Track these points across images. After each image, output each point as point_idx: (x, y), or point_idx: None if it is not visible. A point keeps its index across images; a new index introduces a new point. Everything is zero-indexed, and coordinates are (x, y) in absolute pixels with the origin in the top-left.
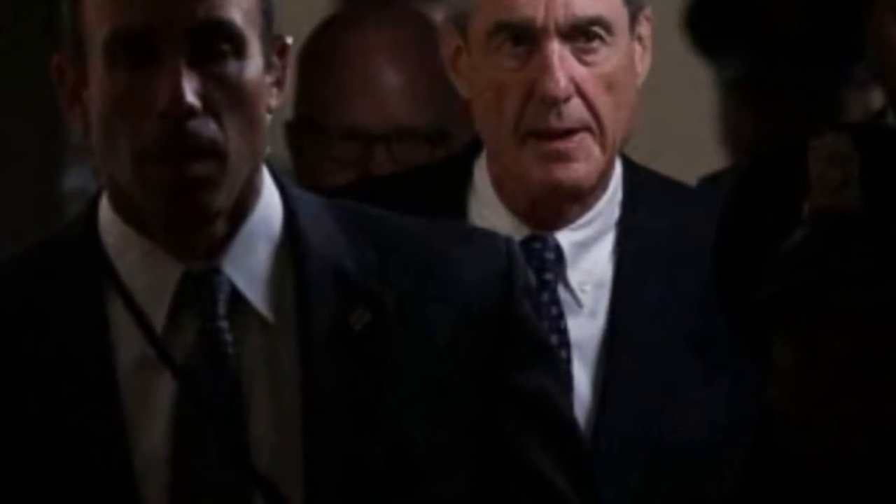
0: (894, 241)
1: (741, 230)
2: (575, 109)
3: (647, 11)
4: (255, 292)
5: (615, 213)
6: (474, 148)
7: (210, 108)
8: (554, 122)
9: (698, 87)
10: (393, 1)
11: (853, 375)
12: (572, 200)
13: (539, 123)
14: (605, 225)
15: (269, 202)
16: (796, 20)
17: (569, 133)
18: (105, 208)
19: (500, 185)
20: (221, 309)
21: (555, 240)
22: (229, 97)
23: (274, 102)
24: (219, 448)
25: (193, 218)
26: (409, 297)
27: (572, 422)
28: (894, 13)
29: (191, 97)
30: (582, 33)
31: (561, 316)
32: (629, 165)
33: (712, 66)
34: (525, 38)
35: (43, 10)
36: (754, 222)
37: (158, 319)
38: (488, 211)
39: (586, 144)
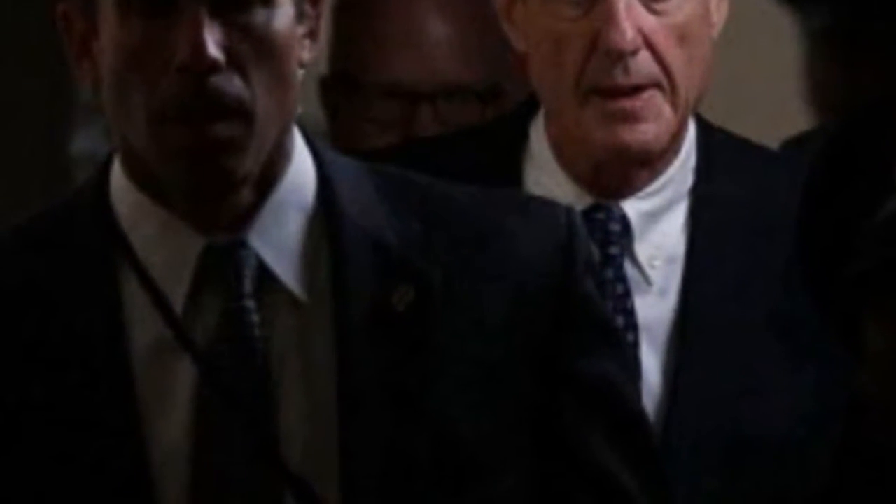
0: None
1: (829, 199)
2: (643, 64)
3: None
4: (286, 268)
5: (688, 179)
6: (530, 107)
7: (235, 62)
8: (620, 78)
9: (781, 38)
10: None
11: None
12: (640, 165)
13: (603, 79)
14: (677, 193)
15: (301, 167)
16: None
17: (636, 90)
18: (117, 174)
19: (559, 149)
20: (247, 286)
21: (621, 210)
22: (256, 50)
23: (306, 56)
24: (245, 442)
25: (216, 185)
26: (458, 274)
27: (640, 413)
28: None
29: (213, 50)
30: None
31: (628, 295)
32: (704, 127)
33: (796, 16)
34: None
35: None
36: (844, 190)
37: (177, 298)
38: (546, 177)
39: (656, 103)
